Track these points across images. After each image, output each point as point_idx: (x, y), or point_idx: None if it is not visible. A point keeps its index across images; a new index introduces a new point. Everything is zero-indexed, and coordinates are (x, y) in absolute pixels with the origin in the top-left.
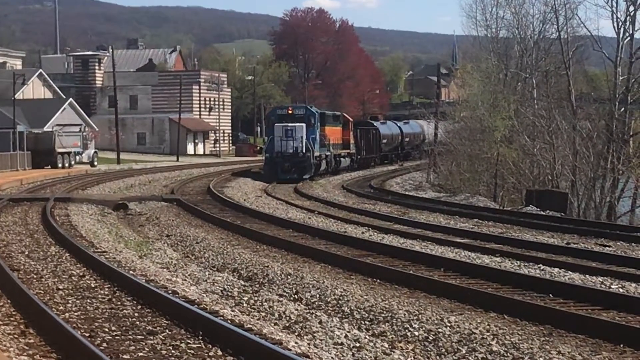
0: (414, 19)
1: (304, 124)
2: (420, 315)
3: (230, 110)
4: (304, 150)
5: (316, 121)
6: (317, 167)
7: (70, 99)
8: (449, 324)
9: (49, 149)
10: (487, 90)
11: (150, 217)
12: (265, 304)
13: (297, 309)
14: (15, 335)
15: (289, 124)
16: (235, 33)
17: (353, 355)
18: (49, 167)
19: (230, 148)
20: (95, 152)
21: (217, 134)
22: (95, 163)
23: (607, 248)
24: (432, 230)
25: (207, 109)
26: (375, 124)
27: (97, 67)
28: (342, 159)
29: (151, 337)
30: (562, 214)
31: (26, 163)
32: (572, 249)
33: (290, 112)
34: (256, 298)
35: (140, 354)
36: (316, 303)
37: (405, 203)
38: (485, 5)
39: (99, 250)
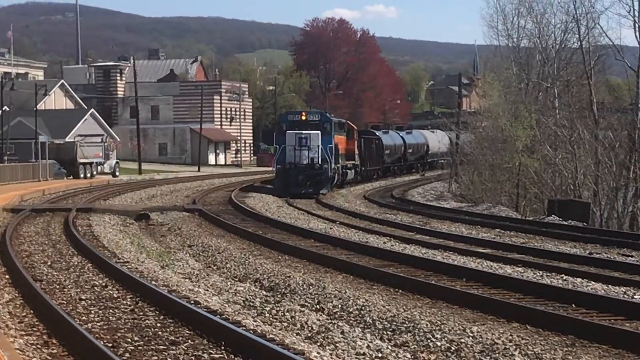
0: (435, 29)
1: (319, 132)
2: (442, 326)
3: (251, 121)
4: (320, 162)
5: (332, 129)
6: (332, 180)
7: (92, 110)
8: (471, 334)
9: (70, 159)
10: (508, 100)
11: (172, 228)
12: (287, 314)
13: (319, 319)
14: (39, 346)
15: (303, 132)
16: (256, 43)
17: None
18: (71, 177)
19: (252, 158)
20: (116, 162)
21: (239, 144)
22: (117, 173)
23: (630, 258)
24: (454, 240)
25: (229, 119)
26: (377, 134)
27: (118, 78)
28: (348, 171)
29: (174, 348)
30: (585, 223)
31: (48, 173)
32: (595, 259)
33: (303, 117)
34: (278, 308)
35: None
36: (338, 313)
37: (427, 213)
38: (507, 15)
39: (121, 260)
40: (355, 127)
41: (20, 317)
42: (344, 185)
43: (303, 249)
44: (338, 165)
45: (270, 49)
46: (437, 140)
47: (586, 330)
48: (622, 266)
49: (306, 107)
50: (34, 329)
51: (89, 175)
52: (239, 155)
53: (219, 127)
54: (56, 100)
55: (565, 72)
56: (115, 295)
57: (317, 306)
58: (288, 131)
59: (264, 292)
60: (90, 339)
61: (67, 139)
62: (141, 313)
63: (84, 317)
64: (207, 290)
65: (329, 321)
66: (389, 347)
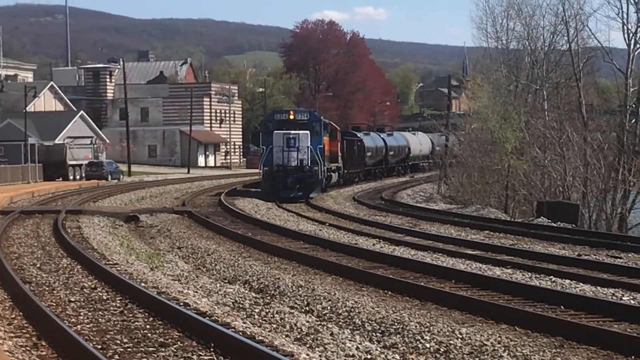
0: (424, 31)
1: (308, 132)
2: (431, 327)
3: (241, 123)
4: (310, 163)
5: (321, 129)
6: (322, 183)
7: (82, 112)
8: (460, 336)
9: (60, 161)
10: (497, 102)
11: (161, 229)
12: (276, 315)
13: (308, 321)
14: (28, 348)
15: (292, 131)
16: (246, 45)
17: None
18: (60, 179)
19: (241, 160)
20: None
21: (228, 146)
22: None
23: (618, 260)
24: (443, 242)
25: (218, 121)
26: (359, 135)
27: (108, 80)
28: (332, 174)
29: (163, 349)
30: (573, 225)
31: (37, 175)
32: (584, 261)
33: (291, 117)
34: (267, 310)
35: None
36: (327, 315)
37: (417, 215)
38: (496, 17)
39: (111, 262)
40: (339, 129)
41: (10, 319)
42: (327, 188)
43: (292, 251)
44: (325, 167)
45: (260, 51)
46: (418, 142)
47: (575, 331)
48: (610, 268)
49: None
50: (24, 330)
51: (78, 177)
52: (228, 157)
53: (209, 129)
54: (45, 102)
55: (554, 74)
56: (104, 297)
57: (307, 308)
58: (275, 131)
59: (254, 294)
60: (79, 341)
61: (56, 141)
62: (130, 315)
63: (73, 319)
64: (197, 292)
65: (319, 323)
66: (378, 348)
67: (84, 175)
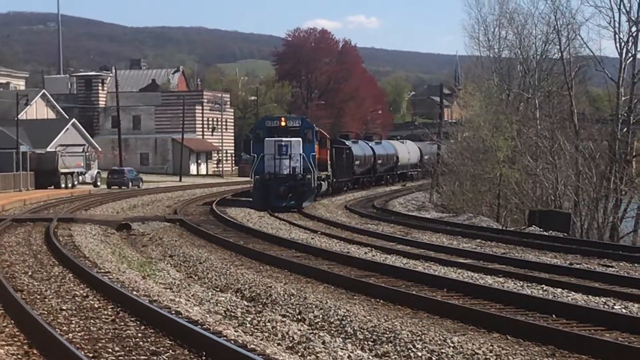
0: (416, 40)
1: (300, 139)
2: (423, 336)
3: (233, 131)
4: (302, 171)
5: (314, 136)
6: (315, 192)
7: (74, 119)
8: (452, 345)
9: (52, 169)
10: (489, 110)
11: (153, 238)
12: (268, 324)
13: (300, 329)
14: (19, 356)
15: (283, 139)
16: (238, 53)
17: None
18: (52, 187)
19: (233, 168)
20: (98, 172)
21: (220, 154)
22: (98, 183)
23: (610, 268)
24: (435, 251)
25: (210, 129)
26: (347, 143)
27: (100, 88)
28: (322, 182)
29: (155, 358)
30: (565, 234)
31: (29, 183)
32: (575, 270)
33: (283, 123)
34: (259, 318)
35: None
36: (319, 323)
37: (408, 223)
38: (488, 25)
39: (103, 270)
40: (328, 137)
41: (1, 328)
42: (318, 197)
43: (284, 259)
44: (316, 175)
45: (252, 59)
46: (406, 151)
47: (566, 340)
48: (602, 277)
49: None
50: (15, 339)
51: (70, 185)
52: (220, 165)
53: (201, 137)
54: (37, 110)
55: (546, 82)
56: (96, 306)
57: (299, 316)
58: (266, 138)
59: (245, 303)
60: (71, 349)
61: (48, 149)
62: (122, 323)
63: (64, 328)
64: (189, 301)
65: (310, 331)
66: (370, 357)
67: (77, 182)
